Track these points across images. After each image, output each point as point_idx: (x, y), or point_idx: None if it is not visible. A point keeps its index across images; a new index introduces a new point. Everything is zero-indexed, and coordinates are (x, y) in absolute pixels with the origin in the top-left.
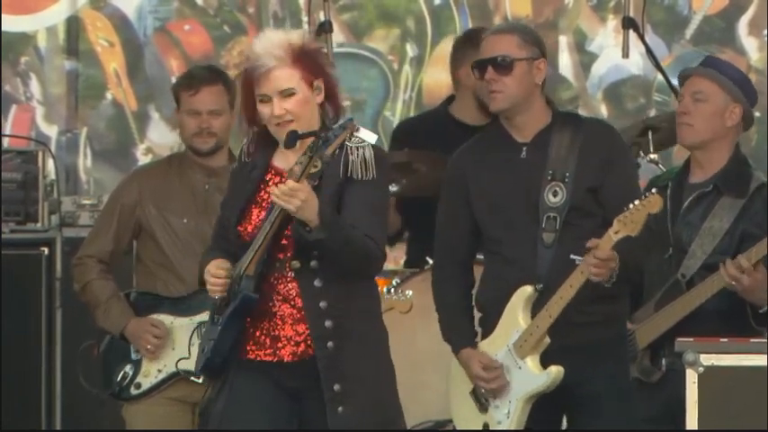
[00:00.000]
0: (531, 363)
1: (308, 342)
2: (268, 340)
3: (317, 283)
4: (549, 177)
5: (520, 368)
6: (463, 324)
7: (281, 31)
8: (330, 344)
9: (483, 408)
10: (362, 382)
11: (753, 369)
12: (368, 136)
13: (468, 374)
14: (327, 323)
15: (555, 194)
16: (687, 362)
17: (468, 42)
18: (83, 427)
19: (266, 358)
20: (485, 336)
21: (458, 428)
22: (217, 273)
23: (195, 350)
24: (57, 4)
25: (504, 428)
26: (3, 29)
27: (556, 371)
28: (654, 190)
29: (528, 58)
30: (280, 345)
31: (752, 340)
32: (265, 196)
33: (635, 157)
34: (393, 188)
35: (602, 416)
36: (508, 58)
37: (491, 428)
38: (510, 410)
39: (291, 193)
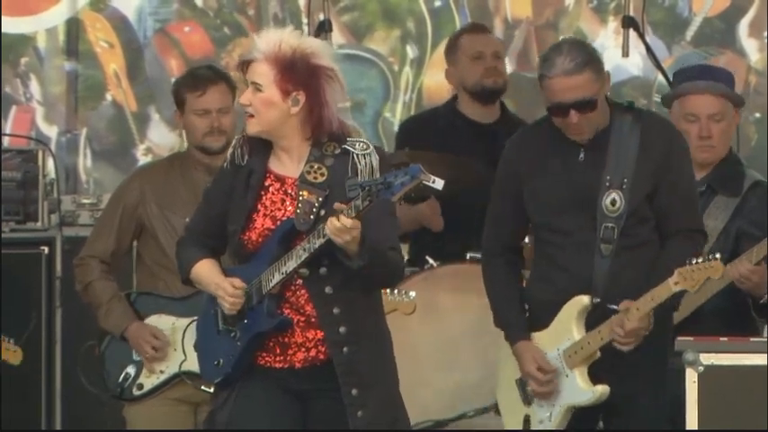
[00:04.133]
0: (580, 376)
1: (319, 347)
2: (278, 348)
3: (327, 290)
4: (608, 184)
5: (567, 377)
6: (517, 314)
7: (286, 30)
8: (345, 349)
9: (527, 400)
10: (376, 385)
11: (753, 368)
12: (437, 184)
13: (520, 367)
14: (342, 329)
15: (613, 203)
16: (687, 361)
17: (451, 46)
18: (83, 428)
19: (277, 365)
20: (530, 330)
21: (501, 413)
22: (236, 293)
23: (190, 350)
24: (57, 5)
25: (545, 428)
26: (3, 30)
27: (601, 390)
28: (717, 255)
29: (601, 87)
30: (290, 352)
31: (752, 339)
32: (267, 203)
33: None
34: None
35: (638, 418)
36: (592, 100)
37: (532, 425)
38: (553, 414)
39: (347, 231)
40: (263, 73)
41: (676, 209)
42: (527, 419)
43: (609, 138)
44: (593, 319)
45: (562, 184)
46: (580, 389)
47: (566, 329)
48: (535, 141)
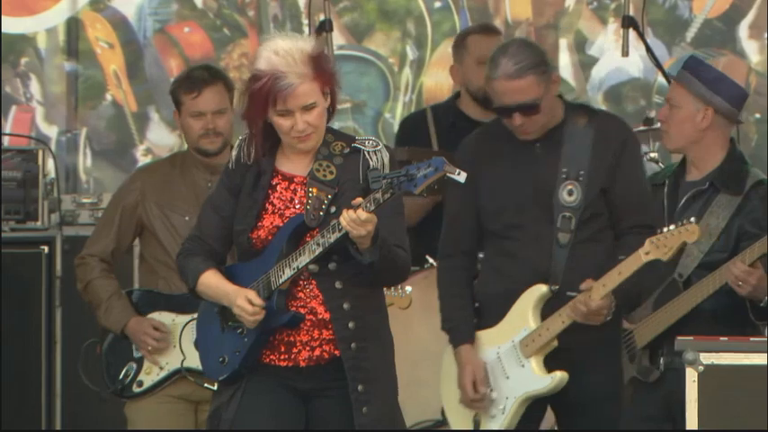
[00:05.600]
0: (536, 364)
1: (324, 346)
2: (283, 346)
3: (337, 285)
4: (564, 176)
5: (523, 366)
6: (464, 318)
7: (294, 40)
8: (353, 345)
9: None
10: (379, 381)
11: (753, 368)
12: (461, 176)
13: (458, 373)
14: (350, 324)
15: (570, 194)
16: (687, 361)
17: (458, 44)
18: (83, 427)
19: (281, 363)
20: (481, 327)
21: (448, 415)
22: (257, 310)
23: (188, 347)
24: (57, 5)
25: (498, 424)
26: (3, 30)
27: (560, 376)
28: (693, 219)
29: (546, 89)
30: (295, 350)
31: (752, 339)
32: (275, 201)
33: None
34: None
35: (591, 416)
36: (534, 103)
37: (483, 422)
38: (506, 407)
39: (363, 224)
40: (312, 91)
41: (630, 206)
42: (477, 417)
43: (563, 133)
44: (548, 308)
45: (519, 177)
46: (537, 377)
47: (522, 319)
48: (490, 139)
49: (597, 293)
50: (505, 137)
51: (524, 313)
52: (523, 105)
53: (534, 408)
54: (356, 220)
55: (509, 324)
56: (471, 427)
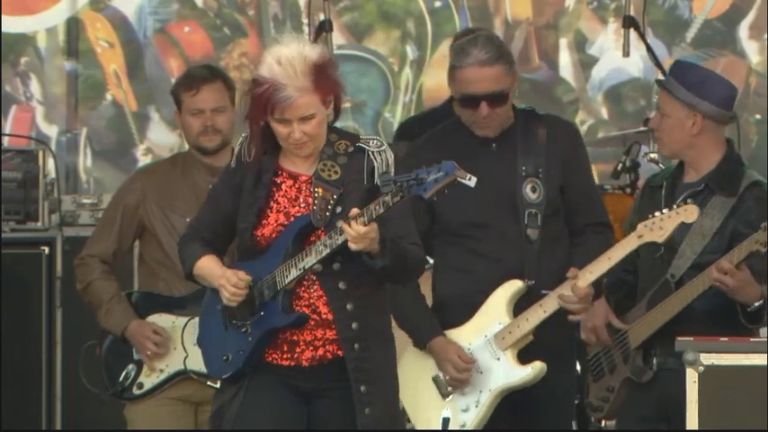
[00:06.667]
0: (512, 356)
1: (327, 346)
2: (286, 345)
3: (341, 285)
4: (524, 173)
5: (498, 359)
6: (428, 315)
7: (300, 47)
8: (356, 345)
9: (446, 394)
10: (381, 382)
11: (753, 368)
12: (471, 181)
13: (440, 361)
14: (354, 325)
15: (534, 191)
16: (687, 361)
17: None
18: (83, 428)
19: (284, 362)
20: (447, 326)
21: (412, 417)
22: (240, 284)
23: (190, 347)
24: (57, 5)
25: (471, 417)
26: (3, 29)
27: (540, 366)
28: (689, 200)
29: (512, 84)
30: (298, 349)
31: (752, 339)
32: (280, 199)
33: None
34: None
35: (552, 415)
36: (503, 92)
37: (453, 416)
38: (480, 400)
39: (362, 238)
40: (311, 103)
41: (586, 203)
42: (446, 416)
43: (517, 133)
44: (518, 307)
45: (479, 177)
46: (514, 369)
47: (495, 315)
48: (444, 143)
49: (584, 280)
50: (459, 139)
51: (499, 308)
52: (493, 95)
53: (501, 408)
54: (356, 236)
55: (481, 320)
56: (440, 424)
